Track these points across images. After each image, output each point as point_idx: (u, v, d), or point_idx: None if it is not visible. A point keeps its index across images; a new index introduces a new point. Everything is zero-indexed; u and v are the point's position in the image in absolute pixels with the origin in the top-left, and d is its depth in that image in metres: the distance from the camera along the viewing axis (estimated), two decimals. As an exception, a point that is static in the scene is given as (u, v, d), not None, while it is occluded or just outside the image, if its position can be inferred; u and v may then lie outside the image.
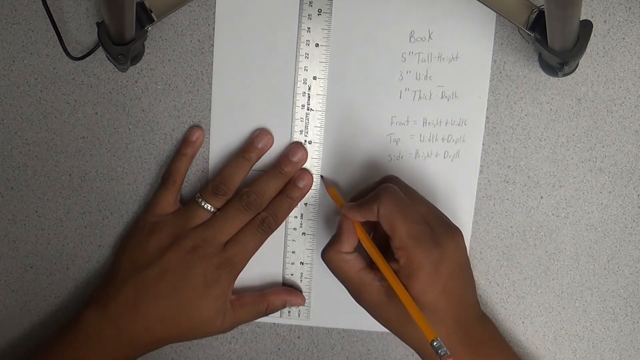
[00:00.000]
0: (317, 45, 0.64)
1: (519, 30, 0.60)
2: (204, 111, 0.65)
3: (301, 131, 0.65)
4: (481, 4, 0.60)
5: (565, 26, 0.54)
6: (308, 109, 0.64)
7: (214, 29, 0.64)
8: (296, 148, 0.64)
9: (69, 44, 0.64)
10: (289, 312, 0.66)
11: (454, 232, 0.58)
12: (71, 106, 0.65)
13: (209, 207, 0.62)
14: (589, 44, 0.57)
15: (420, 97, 0.64)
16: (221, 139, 0.65)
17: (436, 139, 0.64)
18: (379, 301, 0.58)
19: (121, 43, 0.58)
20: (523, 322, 0.66)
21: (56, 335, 0.62)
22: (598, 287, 0.66)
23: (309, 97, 0.64)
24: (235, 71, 0.64)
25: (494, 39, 0.63)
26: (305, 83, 0.64)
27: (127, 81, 0.65)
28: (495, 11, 0.60)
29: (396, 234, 0.57)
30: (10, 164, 0.66)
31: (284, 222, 0.65)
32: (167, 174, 0.64)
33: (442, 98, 0.64)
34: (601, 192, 0.65)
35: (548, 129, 0.64)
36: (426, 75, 0.64)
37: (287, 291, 0.65)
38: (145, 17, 0.59)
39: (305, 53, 0.64)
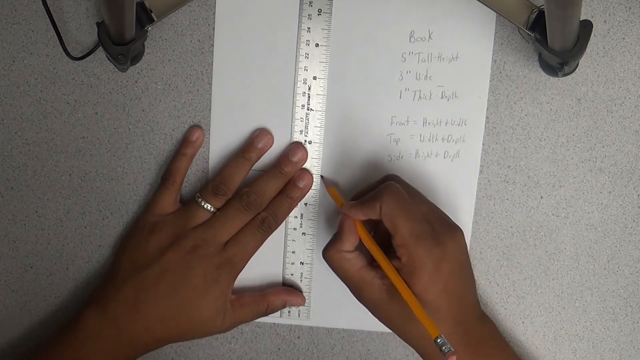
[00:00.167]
0: (317, 45, 0.64)
1: (519, 30, 0.60)
2: (204, 111, 0.65)
3: (301, 131, 0.65)
4: (481, 4, 0.60)
5: (565, 26, 0.54)
6: (308, 109, 0.64)
7: (214, 29, 0.64)
8: (296, 148, 0.64)
9: (69, 44, 0.64)
10: (289, 312, 0.66)
11: (455, 231, 0.59)
12: (71, 106, 0.65)
13: (209, 207, 0.62)
14: (589, 44, 0.57)
15: (420, 97, 0.64)
16: (221, 139, 0.65)
17: (436, 139, 0.64)
18: (381, 299, 0.58)
19: (121, 43, 0.58)
20: (523, 322, 0.66)
21: (56, 335, 0.62)
22: (598, 287, 0.66)
23: (309, 97, 0.64)
24: (235, 71, 0.64)
25: (494, 39, 0.63)
26: (305, 83, 0.64)
27: (127, 81, 0.65)
28: (495, 11, 0.60)
29: (398, 232, 0.57)
30: (10, 164, 0.66)
31: (284, 222, 0.65)
32: (167, 174, 0.64)
33: (442, 98, 0.64)
34: (601, 192, 0.65)
35: (548, 129, 0.64)
36: (426, 75, 0.64)
37: (287, 291, 0.65)
38: (145, 17, 0.59)
39: (305, 53, 0.64)
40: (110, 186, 0.66)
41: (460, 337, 0.58)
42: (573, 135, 0.64)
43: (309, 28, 0.63)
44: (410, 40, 0.64)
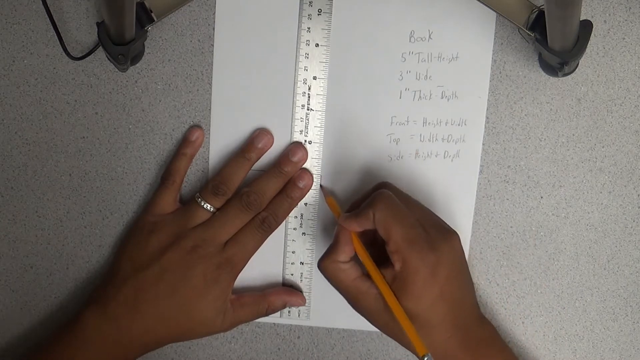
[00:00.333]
0: (317, 45, 0.64)
1: (519, 30, 0.60)
2: (204, 111, 0.65)
3: (301, 131, 0.65)
4: (481, 4, 0.60)
5: (565, 26, 0.54)
6: (308, 109, 0.64)
7: (214, 29, 0.64)
8: (296, 148, 0.64)
9: (69, 44, 0.64)
10: (289, 312, 0.66)
11: (450, 235, 0.58)
12: (71, 106, 0.65)
13: (208, 207, 0.62)
14: (589, 44, 0.57)
15: (420, 97, 0.64)
16: (221, 139, 0.65)
17: (436, 139, 0.64)
18: (376, 309, 0.58)
19: (121, 43, 0.58)
20: (523, 322, 0.66)
21: (56, 335, 0.62)
22: (598, 287, 0.66)
23: (309, 97, 0.64)
24: (235, 71, 0.64)
25: (494, 39, 0.63)
26: (305, 83, 0.64)
27: (127, 81, 0.65)
28: (495, 11, 0.60)
29: (391, 238, 0.57)
30: (10, 164, 0.66)
31: (284, 222, 0.65)
32: (166, 174, 0.64)
33: (442, 98, 0.64)
34: (601, 192, 0.65)
35: (548, 129, 0.64)
36: (426, 75, 0.64)
37: (287, 291, 0.65)
38: (145, 17, 0.59)
39: (305, 53, 0.64)
40: (110, 186, 0.66)
41: (459, 340, 0.58)
42: (573, 135, 0.64)
43: (309, 28, 0.63)
44: (410, 40, 0.64)
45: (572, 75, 0.63)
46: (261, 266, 0.66)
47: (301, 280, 0.66)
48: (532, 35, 0.58)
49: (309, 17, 0.63)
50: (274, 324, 0.67)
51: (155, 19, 0.59)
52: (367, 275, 0.59)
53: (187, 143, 0.64)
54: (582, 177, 0.65)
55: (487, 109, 0.64)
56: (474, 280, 0.65)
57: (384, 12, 0.63)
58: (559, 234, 0.65)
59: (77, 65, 0.64)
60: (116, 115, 0.65)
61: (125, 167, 0.66)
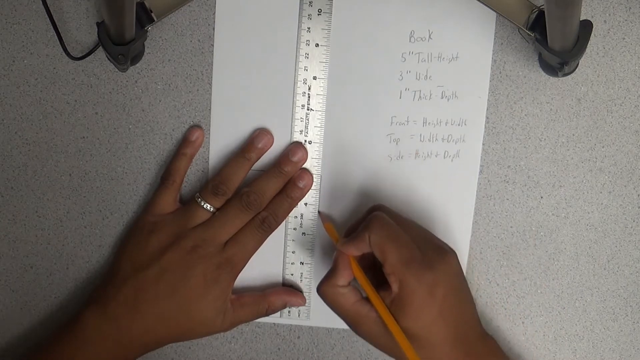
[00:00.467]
0: (317, 45, 0.64)
1: (519, 30, 0.60)
2: (204, 111, 0.65)
3: (301, 131, 0.65)
4: (481, 4, 0.60)
5: (565, 26, 0.54)
6: (308, 109, 0.64)
7: (214, 29, 0.64)
8: (296, 148, 0.64)
9: (69, 44, 0.64)
10: (289, 312, 0.66)
11: (446, 254, 0.58)
12: (71, 106, 0.65)
13: (208, 207, 0.62)
14: (589, 44, 0.57)
15: (420, 97, 0.64)
16: (221, 139, 0.65)
17: (436, 139, 0.64)
18: (377, 332, 0.58)
19: (121, 43, 0.58)
20: (523, 322, 0.66)
21: (56, 335, 0.62)
22: (598, 287, 0.66)
23: (309, 97, 0.64)
24: (235, 71, 0.64)
25: (494, 39, 0.63)
26: (305, 83, 0.64)
27: (127, 81, 0.65)
28: (495, 11, 0.60)
29: (387, 260, 0.57)
30: (10, 164, 0.66)
31: (283, 222, 0.65)
32: (166, 174, 0.64)
33: (442, 98, 0.64)
34: (601, 192, 0.65)
35: (548, 129, 0.64)
36: (426, 75, 0.64)
37: (287, 292, 0.65)
38: (145, 17, 0.59)
39: (305, 53, 0.64)
40: (110, 186, 0.66)
41: (462, 358, 0.58)
42: (573, 135, 0.64)
43: (309, 28, 0.63)
44: (410, 40, 0.63)
45: (572, 75, 0.63)
46: (261, 266, 0.66)
47: (301, 280, 0.66)
48: (532, 35, 0.58)
49: (309, 17, 0.63)
50: (274, 324, 0.67)
51: (155, 19, 0.59)
52: (366, 299, 0.59)
53: (187, 143, 0.64)
54: (582, 177, 0.65)
55: (487, 109, 0.64)
56: (474, 280, 0.66)
57: (384, 12, 0.63)
58: (559, 234, 0.65)
59: (77, 65, 0.64)
60: (116, 115, 0.65)
61: (125, 167, 0.66)
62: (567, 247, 0.65)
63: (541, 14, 0.58)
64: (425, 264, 0.56)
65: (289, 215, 0.65)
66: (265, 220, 0.63)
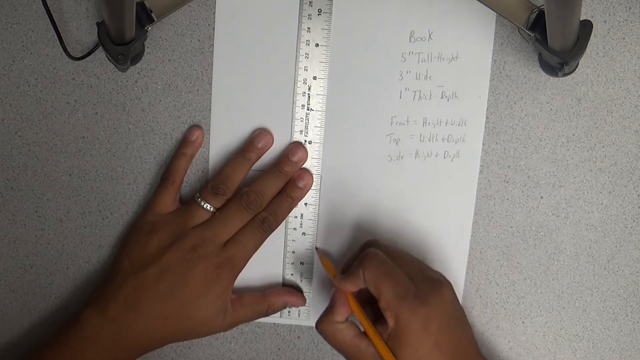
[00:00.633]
0: (317, 45, 0.64)
1: (519, 30, 0.60)
2: (204, 111, 0.65)
3: (301, 131, 0.65)
4: (481, 4, 0.60)
5: (565, 26, 0.54)
6: (308, 109, 0.64)
7: (214, 29, 0.64)
8: (296, 148, 0.64)
9: (69, 44, 0.64)
10: (289, 312, 0.66)
11: (440, 286, 0.58)
12: (71, 106, 0.65)
13: (208, 207, 0.62)
14: (589, 44, 0.57)
15: (420, 97, 0.64)
16: (221, 139, 0.65)
17: (436, 139, 0.64)
18: None
19: (121, 43, 0.58)
20: (523, 322, 0.66)
21: (56, 335, 0.62)
22: (598, 287, 0.66)
23: (309, 97, 0.64)
24: (235, 71, 0.64)
25: (494, 39, 0.63)
26: (305, 83, 0.64)
27: (127, 81, 0.65)
28: (495, 11, 0.60)
29: (382, 296, 0.57)
30: (10, 164, 0.66)
31: (284, 222, 0.65)
32: (166, 174, 0.64)
33: (442, 98, 0.64)
34: (601, 192, 0.65)
35: (548, 129, 0.64)
36: (426, 75, 0.64)
37: (288, 292, 0.65)
38: (145, 17, 0.59)
39: (305, 53, 0.64)
40: (110, 186, 0.66)
41: None
42: (573, 135, 0.64)
43: (309, 28, 0.63)
44: (410, 40, 0.64)
45: (572, 75, 0.63)
46: (261, 266, 0.66)
47: (301, 280, 0.66)
48: (532, 35, 0.58)
49: (309, 17, 0.63)
50: (274, 324, 0.67)
51: (155, 19, 0.59)
52: (365, 334, 0.59)
53: (187, 143, 0.64)
54: (582, 177, 0.65)
55: (487, 109, 0.64)
56: (474, 280, 0.66)
57: (384, 12, 0.63)
58: (559, 234, 0.65)
59: (77, 65, 0.64)
60: (116, 115, 0.65)
61: (125, 167, 0.66)
62: (567, 247, 0.65)
63: (541, 14, 0.58)
64: (419, 298, 0.57)
65: (289, 215, 0.65)
66: (265, 220, 0.63)
